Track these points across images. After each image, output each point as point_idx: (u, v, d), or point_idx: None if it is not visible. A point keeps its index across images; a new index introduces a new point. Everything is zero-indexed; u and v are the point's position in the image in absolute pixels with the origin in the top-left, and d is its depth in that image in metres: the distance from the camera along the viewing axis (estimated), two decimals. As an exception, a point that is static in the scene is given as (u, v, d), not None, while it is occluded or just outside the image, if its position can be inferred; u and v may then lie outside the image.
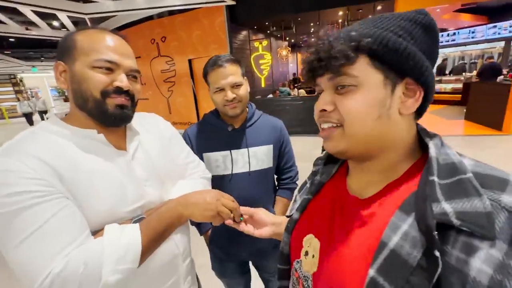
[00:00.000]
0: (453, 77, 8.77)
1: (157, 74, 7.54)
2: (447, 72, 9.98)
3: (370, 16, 0.43)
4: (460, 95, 7.95)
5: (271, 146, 1.05)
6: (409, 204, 0.35)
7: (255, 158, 1.02)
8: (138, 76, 0.66)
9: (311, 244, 0.46)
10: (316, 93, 0.45)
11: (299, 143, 4.99)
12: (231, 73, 0.94)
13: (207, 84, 1.01)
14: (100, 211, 0.56)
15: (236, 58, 0.99)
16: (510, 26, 8.94)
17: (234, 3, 5.75)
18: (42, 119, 9.33)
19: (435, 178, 0.34)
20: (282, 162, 1.11)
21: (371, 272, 0.33)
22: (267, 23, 7.29)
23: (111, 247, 0.51)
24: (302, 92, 6.90)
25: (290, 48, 7.80)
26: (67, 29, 8.06)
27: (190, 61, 6.90)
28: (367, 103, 0.38)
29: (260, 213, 0.68)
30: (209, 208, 0.65)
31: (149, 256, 0.58)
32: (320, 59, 0.38)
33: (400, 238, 0.33)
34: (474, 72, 8.25)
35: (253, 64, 6.67)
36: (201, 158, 1.00)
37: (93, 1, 6.00)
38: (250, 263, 1.25)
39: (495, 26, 9.38)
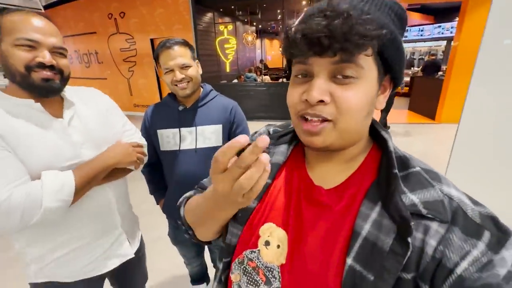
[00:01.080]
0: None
1: (116, 52, 7.08)
2: None
3: None
4: (408, 88, 8.86)
5: (219, 126, 1.09)
6: (373, 193, 0.37)
7: (202, 136, 1.08)
8: (64, 52, 0.74)
9: (272, 233, 0.42)
10: (295, 76, 0.38)
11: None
12: (180, 55, 0.99)
13: (159, 66, 1.06)
14: (38, 164, 0.68)
15: (186, 42, 1.04)
16: (452, 27, 10.02)
17: (198, -18, 5.60)
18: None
19: (397, 171, 0.36)
20: None
21: (349, 260, 0.34)
22: (232, 7, 7.21)
23: (50, 182, 0.65)
24: (267, 78, 7.08)
25: (256, 34, 7.84)
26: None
27: (152, 40, 6.60)
28: (364, 100, 0.35)
29: None
30: (129, 155, 0.86)
31: (82, 194, 0.74)
32: (334, 38, 0.31)
33: (371, 226, 0.35)
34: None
35: (218, 48, 6.63)
36: (156, 134, 1.11)
37: (38, -35, 5.35)
38: None
39: (439, 26, 10.43)
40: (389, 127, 5.23)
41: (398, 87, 0.41)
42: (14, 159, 0.64)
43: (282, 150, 0.48)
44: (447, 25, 10.11)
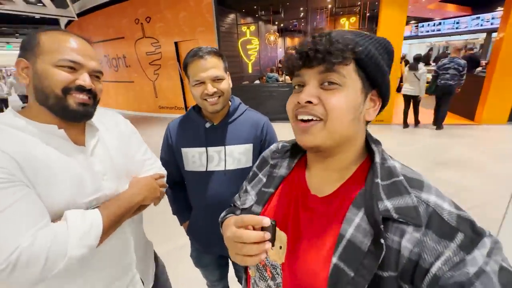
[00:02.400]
0: (433, 67, 9.02)
1: (142, 56, 7.33)
2: (431, 61, 10.17)
3: (347, 29, 0.48)
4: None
5: (250, 145, 1.00)
6: (359, 201, 0.42)
7: (231, 157, 0.99)
8: (100, 76, 0.71)
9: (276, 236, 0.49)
10: (294, 88, 0.46)
11: (284, 130, 5.06)
12: (212, 66, 0.90)
13: (186, 77, 0.97)
14: (59, 201, 0.61)
15: (219, 51, 0.95)
16: (493, 18, 9.18)
17: (221, -16, 5.60)
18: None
19: (379, 181, 0.41)
20: None
21: (334, 259, 0.40)
22: (255, 7, 7.15)
23: (76, 225, 0.57)
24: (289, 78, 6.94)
25: (278, 34, 7.72)
26: (44, 5, 7.58)
27: (176, 44, 6.74)
28: (348, 104, 0.41)
29: None
30: (155, 191, 0.79)
31: (107, 237, 0.65)
32: (317, 51, 0.40)
33: (354, 230, 0.40)
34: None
35: (240, 49, 6.61)
36: (179, 153, 1.02)
37: (72, -24, 5.66)
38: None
39: (478, 18, 9.61)
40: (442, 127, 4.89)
41: (386, 103, 0.47)
42: (36, 198, 0.57)
43: (288, 164, 0.55)
44: (487, 15, 9.27)
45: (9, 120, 0.61)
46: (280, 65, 8.82)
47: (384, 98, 0.46)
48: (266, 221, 0.40)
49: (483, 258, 0.33)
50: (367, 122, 0.48)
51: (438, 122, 4.93)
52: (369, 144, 0.48)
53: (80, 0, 7.86)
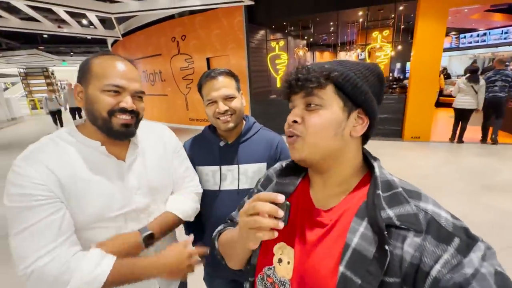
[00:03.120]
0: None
1: (176, 71, 7.80)
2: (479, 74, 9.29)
3: (336, 59, 0.54)
4: (487, 100, 7.54)
5: (263, 164, 0.99)
6: (362, 211, 0.45)
7: (244, 175, 0.98)
8: (142, 96, 0.76)
9: (283, 251, 0.51)
10: (290, 109, 0.53)
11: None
12: (224, 85, 0.93)
13: (201, 97, 0.99)
14: (89, 215, 0.67)
15: (231, 72, 0.98)
16: (549, 27, 8.30)
17: (252, 3, 5.82)
18: (74, 118, 7.59)
19: (380, 192, 0.45)
20: None
21: (341, 268, 0.41)
22: (285, 23, 7.29)
23: (83, 271, 0.61)
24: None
25: (307, 48, 7.74)
26: (95, 27, 8.51)
27: (208, 59, 7.08)
28: (328, 121, 0.47)
29: None
30: (179, 272, 0.75)
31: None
32: (298, 80, 0.48)
33: (359, 239, 0.42)
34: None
35: (269, 64, 6.72)
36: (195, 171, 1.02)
37: (119, 1, 6.31)
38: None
39: (531, 27, 8.75)
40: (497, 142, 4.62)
41: (374, 120, 0.50)
42: (64, 215, 0.63)
43: (293, 181, 0.58)
44: (542, 24, 8.40)
45: (63, 135, 0.70)
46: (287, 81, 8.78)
47: (371, 117, 0.50)
48: (281, 197, 0.42)
49: (479, 261, 0.36)
50: (365, 141, 0.53)
51: (493, 136, 4.71)
52: (368, 160, 0.52)
53: (125, 22, 8.68)
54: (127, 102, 0.70)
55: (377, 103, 0.51)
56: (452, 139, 5.03)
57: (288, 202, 0.43)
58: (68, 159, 0.67)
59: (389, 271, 0.39)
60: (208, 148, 1.02)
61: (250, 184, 0.98)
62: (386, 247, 0.38)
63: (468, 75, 4.72)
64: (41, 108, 15.45)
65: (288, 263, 0.50)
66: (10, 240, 0.60)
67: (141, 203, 0.76)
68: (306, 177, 0.58)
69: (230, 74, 0.97)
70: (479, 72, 5.14)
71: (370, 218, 0.43)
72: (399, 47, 7.76)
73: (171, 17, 7.33)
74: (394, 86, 6.95)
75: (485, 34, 10.00)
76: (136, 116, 0.74)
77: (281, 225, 0.41)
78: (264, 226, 0.42)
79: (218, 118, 0.94)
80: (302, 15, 6.10)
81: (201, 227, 1.11)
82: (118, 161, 0.74)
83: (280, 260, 0.51)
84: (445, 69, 10.11)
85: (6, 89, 17.59)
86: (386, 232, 0.40)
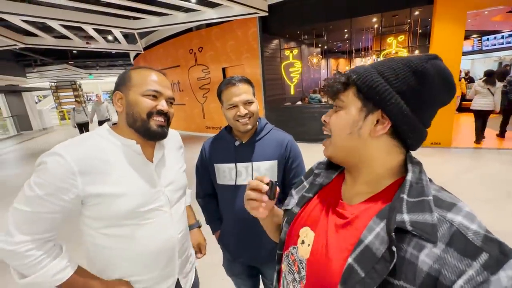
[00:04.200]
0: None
1: (193, 81, 8.11)
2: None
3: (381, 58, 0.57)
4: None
5: (275, 162, 1.09)
6: (383, 213, 0.45)
7: (257, 172, 1.08)
8: (173, 102, 0.85)
9: (307, 235, 0.56)
10: None
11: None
12: (244, 91, 1.03)
13: (220, 102, 1.10)
14: (123, 210, 0.73)
15: (248, 79, 1.08)
16: None
17: (266, 14, 6.00)
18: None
19: (405, 196, 0.44)
20: (289, 176, 1.13)
21: (350, 259, 0.44)
22: (298, 32, 7.40)
23: (47, 273, 0.68)
24: (332, 99, 6.82)
25: (321, 56, 7.77)
26: (119, 42, 9.08)
27: (223, 69, 7.31)
28: (344, 121, 0.51)
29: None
30: None
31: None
32: (328, 85, 0.53)
33: (373, 237, 0.43)
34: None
35: (283, 72, 6.83)
36: (213, 168, 1.15)
37: (141, 18, 6.74)
38: None
39: (561, 26, 8.25)
40: None
41: (401, 122, 0.47)
42: (56, 218, 0.68)
43: (330, 175, 0.63)
44: None
45: (101, 132, 0.79)
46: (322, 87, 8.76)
47: (393, 118, 0.46)
48: (266, 179, 0.59)
49: (509, 279, 0.33)
50: (406, 148, 0.50)
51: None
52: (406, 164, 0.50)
53: (146, 36, 9.20)
54: (163, 105, 0.79)
55: (422, 104, 0.46)
56: (477, 142, 5.02)
57: (274, 181, 0.59)
58: (103, 154, 0.73)
59: (397, 273, 0.39)
60: (225, 147, 1.13)
61: None
62: (393, 249, 0.39)
63: (484, 78, 4.92)
64: (70, 119, 16.46)
65: (308, 245, 0.54)
66: (11, 208, 0.67)
67: (169, 199, 0.85)
68: (343, 172, 0.61)
69: (248, 81, 1.08)
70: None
71: (388, 219, 0.43)
72: (417, 52, 7.61)
73: (189, 30, 7.68)
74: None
75: (510, 35, 9.56)
76: (168, 119, 0.83)
77: (264, 198, 0.57)
78: (251, 197, 0.59)
79: (238, 121, 1.04)
80: (315, 24, 6.17)
81: (218, 216, 1.24)
82: (147, 160, 0.82)
83: (303, 242, 0.56)
84: (467, 73, 9.71)
85: (38, 101, 18.98)
86: (393, 234, 0.40)
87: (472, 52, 11.11)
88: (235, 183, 1.10)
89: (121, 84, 0.79)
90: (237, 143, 1.10)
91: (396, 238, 0.40)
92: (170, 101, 0.84)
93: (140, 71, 0.80)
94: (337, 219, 0.52)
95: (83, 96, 18.84)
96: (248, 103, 1.04)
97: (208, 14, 6.15)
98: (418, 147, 0.50)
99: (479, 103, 4.91)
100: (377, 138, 0.49)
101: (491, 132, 5.80)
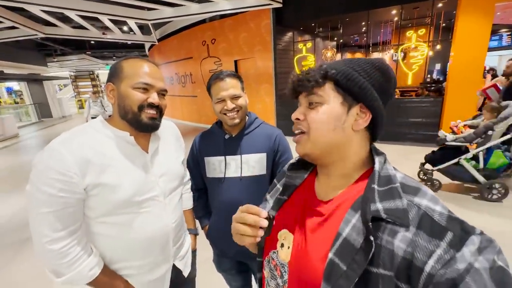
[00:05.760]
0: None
1: (205, 73, 8.11)
2: None
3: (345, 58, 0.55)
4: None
5: (264, 155, 1.10)
6: (357, 204, 0.46)
7: (246, 164, 1.09)
8: (165, 93, 0.84)
9: (286, 237, 0.56)
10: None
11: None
12: (232, 86, 1.04)
13: (210, 96, 1.11)
14: (121, 199, 0.75)
15: (236, 74, 1.09)
16: None
17: (281, 5, 5.86)
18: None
19: (376, 186, 0.46)
20: (277, 170, 1.13)
21: (330, 254, 0.44)
22: (313, 24, 7.19)
23: (80, 272, 0.72)
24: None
25: (335, 50, 7.55)
26: (134, 33, 9.20)
27: (236, 62, 7.26)
28: (327, 116, 0.49)
29: None
30: None
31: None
32: (299, 80, 0.51)
33: (350, 229, 0.44)
34: None
35: (296, 65, 6.69)
36: (203, 161, 1.15)
37: (155, 9, 6.77)
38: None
39: None
40: None
41: (377, 115, 0.50)
42: (70, 212, 0.70)
43: (302, 175, 0.63)
44: None
45: (95, 125, 0.79)
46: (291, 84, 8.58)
47: (374, 111, 0.50)
48: (264, 213, 0.49)
49: (471, 255, 0.35)
50: (374, 139, 0.53)
51: None
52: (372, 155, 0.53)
53: (161, 28, 9.26)
54: (154, 98, 0.78)
55: (386, 98, 0.51)
56: None
57: (271, 215, 0.51)
58: (99, 147, 0.74)
59: (375, 261, 0.40)
60: (215, 141, 1.15)
61: (251, 172, 1.10)
62: (371, 238, 0.40)
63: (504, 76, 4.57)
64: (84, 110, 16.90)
65: (288, 247, 0.54)
66: (31, 219, 0.69)
67: (163, 189, 0.86)
68: (314, 170, 0.62)
69: (235, 76, 1.08)
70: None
71: (362, 210, 0.44)
72: (438, 46, 7.23)
73: (202, 21, 7.65)
74: (432, 88, 6.49)
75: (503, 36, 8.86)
76: (160, 111, 0.82)
77: (260, 233, 0.48)
78: (246, 234, 0.49)
79: (225, 114, 1.06)
80: (331, 16, 5.97)
81: (208, 211, 1.25)
82: (142, 151, 0.83)
83: (282, 245, 0.56)
84: (492, 69, 9.16)
85: (59, 90, 19.71)
86: (370, 224, 0.41)
87: (500, 48, 10.43)
88: (224, 175, 1.11)
89: (113, 75, 0.78)
90: (226, 136, 1.12)
91: (372, 227, 0.41)
92: (162, 93, 0.82)
93: (132, 62, 0.79)
94: (314, 218, 0.52)
95: (100, 86, 19.37)
96: (235, 97, 1.05)
97: (221, 5, 6.09)
98: (377, 139, 0.54)
99: None
100: (357, 131, 0.50)
101: None
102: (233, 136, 1.12)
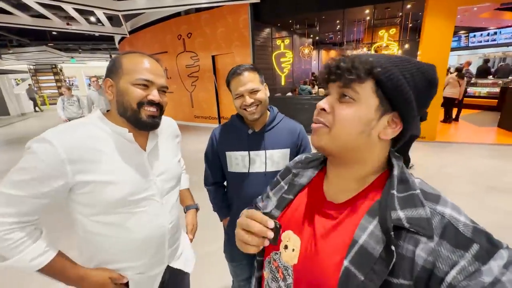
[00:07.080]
0: (490, 81, 8.14)
1: (182, 68, 7.86)
2: (491, 74, 8.92)
3: (388, 53, 0.49)
4: (496, 101, 7.41)
5: (287, 150, 1.11)
6: (374, 210, 0.44)
7: (271, 160, 1.10)
8: (166, 90, 0.81)
9: (290, 239, 0.53)
10: (324, 95, 0.51)
11: (315, 142, 4.99)
12: (249, 80, 1.03)
13: (230, 92, 1.10)
14: (115, 198, 0.71)
15: (255, 67, 1.07)
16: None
17: (258, 0, 5.82)
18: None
19: (395, 192, 0.43)
20: None
21: (345, 262, 0.42)
22: (290, 21, 7.27)
23: (25, 257, 0.66)
24: (322, 91, 6.82)
25: (312, 47, 7.70)
26: (103, 24, 8.61)
27: (213, 57, 7.10)
28: (357, 117, 0.44)
29: None
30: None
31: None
32: (339, 68, 0.45)
33: (367, 236, 0.42)
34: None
35: (274, 62, 6.72)
36: (224, 156, 1.15)
37: (127, -1, 6.38)
38: None
39: (543, 26, 8.53)
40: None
41: (408, 126, 0.46)
42: (36, 202, 0.66)
43: (309, 174, 0.59)
44: (555, 23, 8.18)
45: (93, 119, 0.76)
46: (313, 78, 8.76)
47: (406, 122, 0.45)
48: (270, 223, 0.44)
49: (499, 269, 0.34)
50: (394, 145, 0.49)
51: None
52: (390, 158, 0.49)
53: (132, 19, 8.76)
54: (154, 95, 0.75)
55: (421, 109, 0.46)
56: (444, 121, 6.44)
57: (278, 225, 0.45)
58: (95, 143, 0.71)
59: (395, 272, 0.38)
60: (237, 135, 1.14)
61: (276, 167, 1.11)
62: (392, 248, 0.38)
63: (456, 72, 6.23)
64: (51, 105, 15.68)
65: (293, 250, 0.51)
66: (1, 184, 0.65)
67: (160, 188, 0.83)
68: (323, 170, 0.59)
69: (254, 69, 1.07)
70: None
71: (380, 217, 0.42)
72: (406, 46, 7.67)
73: (177, 14, 7.36)
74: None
75: (495, 33, 9.79)
76: (160, 108, 0.79)
77: (266, 243, 0.44)
78: (251, 244, 0.45)
79: (245, 109, 1.05)
80: (308, 13, 6.07)
81: (227, 204, 1.26)
82: (140, 148, 0.80)
83: (286, 247, 0.53)
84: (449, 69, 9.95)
85: (16, 85, 17.94)
86: (392, 233, 0.39)
87: (459, 48, 11.34)
88: (249, 170, 1.11)
89: (112, 71, 0.75)
90: (250, 131, 1.11)
91: (388, 235, 0.39)
92: (163, 89, 0.79)
93: (132, 57, 0.75)
94: (325, 221, 0.49)
95: (65, 80, 17.95)
96: (254, 91, 1.04)
97: (198, -2, 5.90)
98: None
99: (449, 92, 6.10)
100: (382, 140, 0.46)
101: (471, 126, 6.02)
102: (256, 131, 1.12)
